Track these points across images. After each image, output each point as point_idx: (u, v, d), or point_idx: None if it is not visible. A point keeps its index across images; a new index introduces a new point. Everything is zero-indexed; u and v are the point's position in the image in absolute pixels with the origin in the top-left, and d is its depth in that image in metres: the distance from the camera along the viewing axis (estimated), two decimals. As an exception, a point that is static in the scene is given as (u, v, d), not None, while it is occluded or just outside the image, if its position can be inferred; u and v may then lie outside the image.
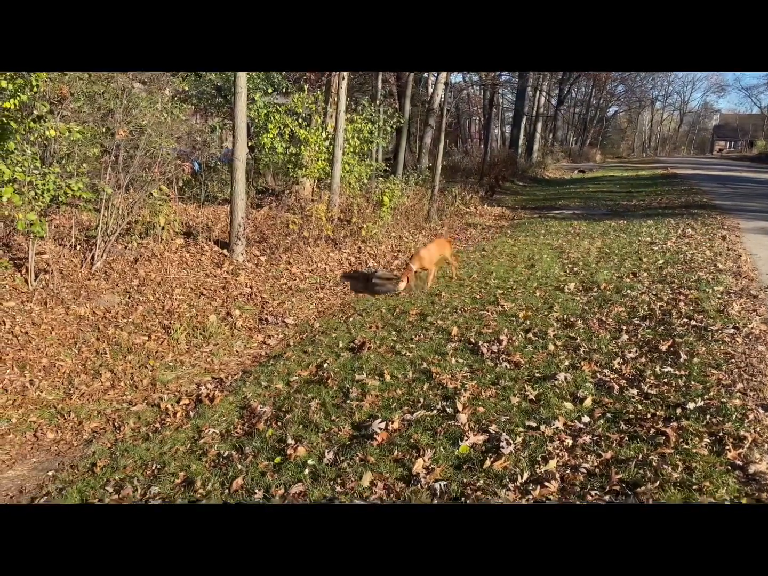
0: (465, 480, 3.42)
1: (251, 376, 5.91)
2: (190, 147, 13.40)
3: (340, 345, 6.38)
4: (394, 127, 14.74)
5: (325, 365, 5.75)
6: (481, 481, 3.38)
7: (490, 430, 3.96)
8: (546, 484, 3.23)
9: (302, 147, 12.61)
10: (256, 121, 12.99)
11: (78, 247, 8.73)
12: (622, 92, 59.75)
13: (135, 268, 8.53)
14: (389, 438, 4.05)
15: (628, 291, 7.33)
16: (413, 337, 6.32)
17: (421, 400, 4.61)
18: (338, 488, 3.50)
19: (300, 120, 12.76)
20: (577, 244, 11.24)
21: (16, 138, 5.79)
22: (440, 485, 3.37)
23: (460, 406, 4.33)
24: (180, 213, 11.10)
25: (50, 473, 4.46)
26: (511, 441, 3.75)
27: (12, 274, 7.54)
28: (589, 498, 3.08)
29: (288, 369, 5.88)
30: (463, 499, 3.22)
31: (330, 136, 12.77)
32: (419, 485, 3.41)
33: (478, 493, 3.27)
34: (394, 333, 6.59)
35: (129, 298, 7.74)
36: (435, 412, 4.36)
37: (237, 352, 6.85)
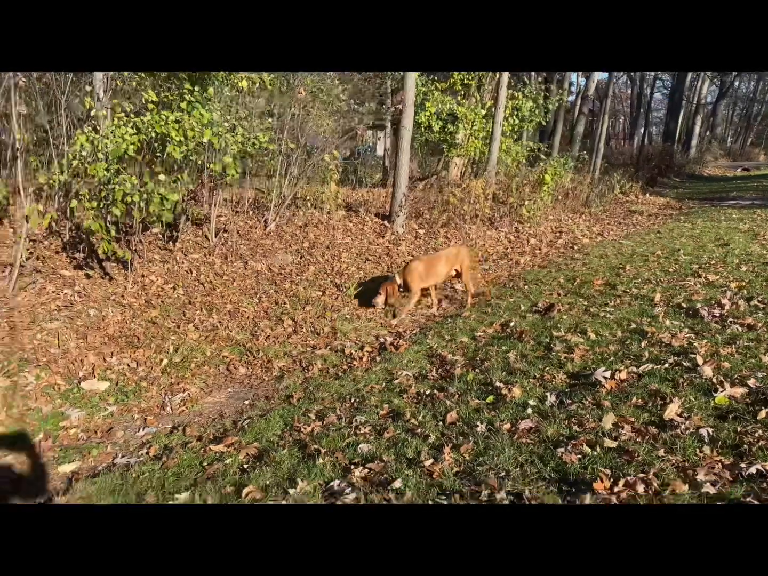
0: (738, 429, 2.83)
1: (431, 331, 5.62)
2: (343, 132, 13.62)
3: (522, 308, 5.93)
4: (555, 105, 13.98)
5: (512, 323, 5.33)
6: (760, 431, 2.78)
7: (750, 384, 3.32)
8: None
9: (459, 125, 12.28)
10: (415, 100, 12.86)
11: (250, 212, 9.04)
12: (794, 86, 53.71)
13: (305, 231, 8.64)
14: (619, 387, 3.54)
15: None
16: (607, 302, 5.71)
17: (645, 354, 4.04)
18: (575, 427, 3.05)
19: (459, 97, 12.45)
20: (772, 228, 9.90)
21: (215, 84, 5.95)
22: (707, 431, 2.82)
23: (699, 360, 3.72)
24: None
25: (246, 402, 4.43)
26: (785, 394, 3.09)
27: (194, 231, 7.90)
28: None
29: (470, 326, 5.53)
30: (745, 447, 2.65)
31: (488, 112, 12.35)
32: (678, 430, 2.87)
33: (762, 442, 2.67)
34: (581, 299, 6.02)
35: (301, 258, 7.81)
36: (667, 365, 3.77)
37: (409, 311, 6.61)
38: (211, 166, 5.99)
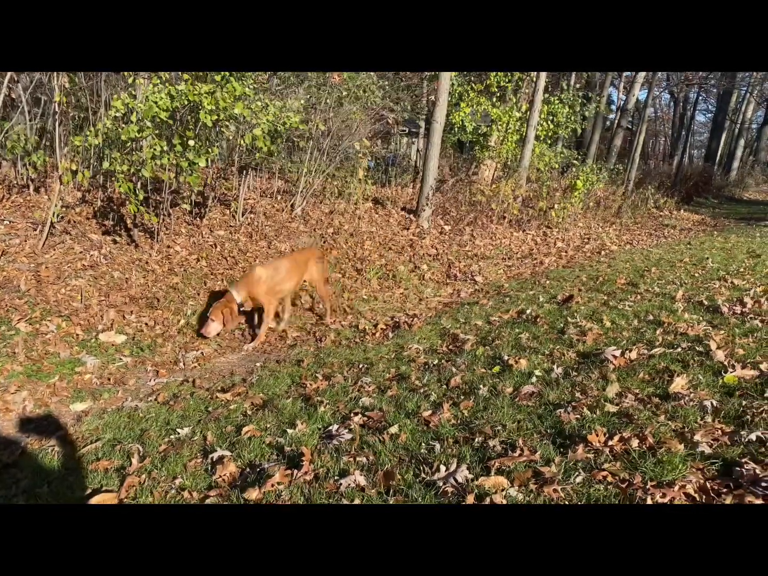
0: (744, 404, 2.78)
1: (446, 314, 5.63)
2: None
3: (541, 299, 5.89)
4: (592, 113, 13.87)
5: (528, 311, 5.30)
6: (766, 407, 2.72)
7: (762, 368, 3.25)
8: None
9: (492, 127, 12.27)
10: (450, 99, 12.88)
11: (279, 197, 9.17)
12: None
13: (330, 218, 8.72)
14: (628, 364, 3.50)
15: None
16: (628, 297, 5.64)
17: (659, 339, 3.98)
18: (578, 394, 3.03)
19: (494, 99, 12.44)
20: (809, 245, 9.64)
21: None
22: (710, 403, 2.77)
23: (713, 345, 3.65)
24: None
25: (258, 364, 4.50)
26: (797, 377, 3.02)
27: (222, 210, 8.05)
28: None
29: (485, 312, 5.53)
30: (747, 417, 2.60)
31: (523, 116, 12.31)
32: (682, 401, 2.83)
33: (766, 415, 2.62)
34: (601, 294, 5.95)
35: (324, 242, 7.89)
36: (679, 350, 3.71)
37: (427, 297, 6.63)
38: (241, 141, 6.10)
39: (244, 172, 7.65)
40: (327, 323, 5.54)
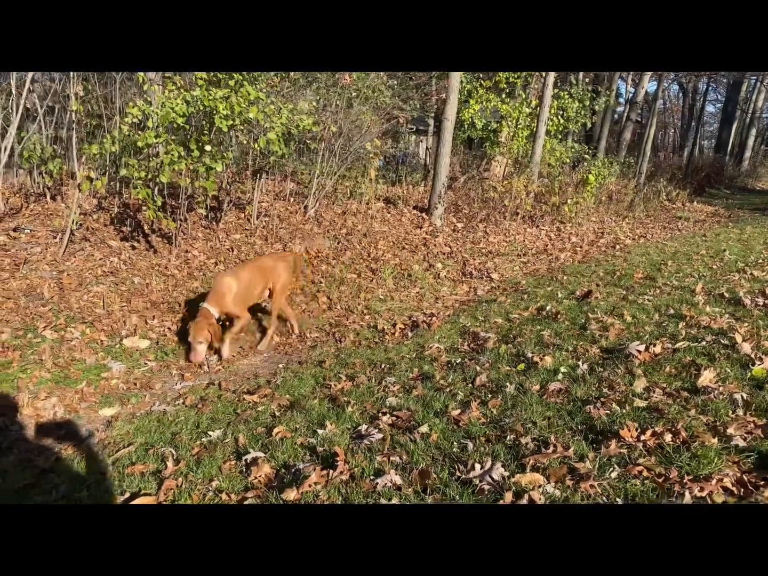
0: (775, 396, 2.77)
1: (464, 312, 5.64)
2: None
3: (560, 295, 5.88)
4: (602, 107, 13.81)
5: (548, 307, 5.29)
6: (799, 400, 2.72)
7: (790, 360, 3.23)
8: None
9: (502, 123, 12.25)
10: (459, 96, 12.86)
11: (292, 199, 9.21)
12: None
13: (343, 219, 8.75)
14: (653, 359, 3.49)
15: None
16: (646, 292, 5.63)
17: (682, 333, 3.97)
18: (606, 390, 3.03)
19: (503, 96, 12.42)
20: (827, 234, 9.57)
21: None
22: (741, 396, 2.76)
23: (738, 338, 3.63)
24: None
25: (280, 365, 4.53)
26: (828, 368, 3.01)
27: (237, 214, 8.10)
28: None
29: (504, 309, 5.52)
30: (781, 410, 2.59)
31: (533, 111, 12.28)
32: (712, 395, 2.82)
33: (799, 408, 2.61)
34: (620, 289, 5.94)
35: (338, 243, 7.91)
36: (704, 343, 3.70)
37: (443, 296, 6.64)
38: (256, 145, 6.15)
39: (258, 175, 7.70)
40: (292, 340, 5.19)
